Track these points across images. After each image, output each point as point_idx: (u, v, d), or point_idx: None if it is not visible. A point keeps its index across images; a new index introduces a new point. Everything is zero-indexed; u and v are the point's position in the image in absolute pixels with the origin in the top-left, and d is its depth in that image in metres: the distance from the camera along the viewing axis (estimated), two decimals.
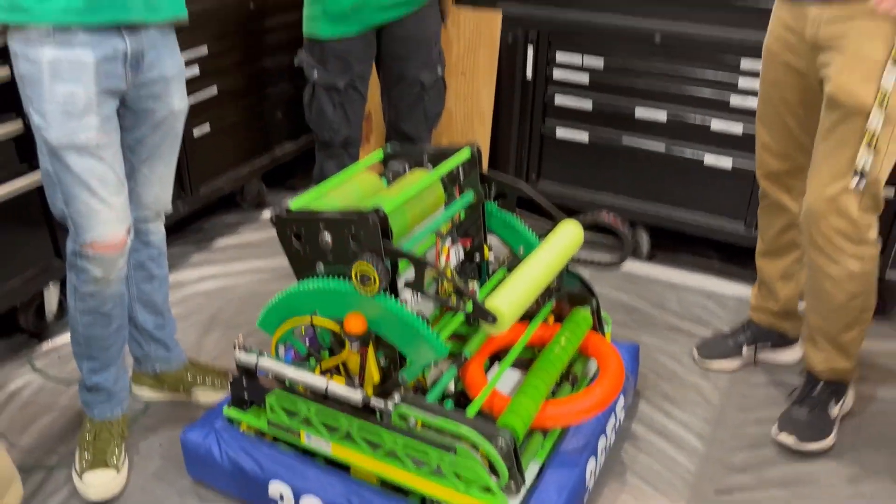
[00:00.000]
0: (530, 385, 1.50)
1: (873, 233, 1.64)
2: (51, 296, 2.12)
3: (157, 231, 1.77)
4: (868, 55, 1.52)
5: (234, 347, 1.54)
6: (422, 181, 1.52)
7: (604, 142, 2.48)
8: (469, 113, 2.63)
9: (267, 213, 2.87)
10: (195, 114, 2.44)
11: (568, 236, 1.61)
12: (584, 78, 2.43)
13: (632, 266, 2.54)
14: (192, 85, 2.39)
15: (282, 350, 1.52)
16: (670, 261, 2.59)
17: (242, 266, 2.54)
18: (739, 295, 2.38)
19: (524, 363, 1.68)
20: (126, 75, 1.49)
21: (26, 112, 1.47)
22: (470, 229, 1.71)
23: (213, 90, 2.49)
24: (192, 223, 2.77)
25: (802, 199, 1.81)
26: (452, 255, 1.62)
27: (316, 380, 1.44)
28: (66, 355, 2.02)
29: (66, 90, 1.41)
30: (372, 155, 1.70)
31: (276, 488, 1.52)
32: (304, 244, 1.43)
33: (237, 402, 1.61)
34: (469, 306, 1.37)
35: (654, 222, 2.53)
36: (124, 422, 1.75)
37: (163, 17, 1.53)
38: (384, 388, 1.42)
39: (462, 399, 1.55)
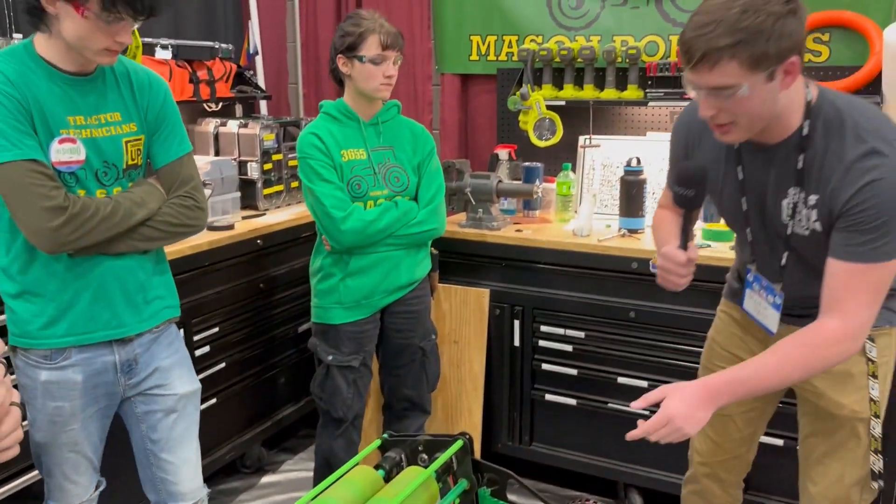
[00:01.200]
0: None
1: None
2: None
3: None
4: (849, 372, 1.59)
5: None
6: (417, 480, 1.61)
7: (591, 406, 2.61)
8: (462, 378, 2.78)
9: (266, 479, 2.92)
10: (203, 389, 2.56)
11: None
12: (567, 347, 2.61)
13: None
14: (202, 362, 2.56)
15: None
16: None
17: None
18: None
19: None
20: (119, 381, 1.67)
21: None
22: None
23: (221, 365, 2.64)
24: None
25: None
26: None
27: None
28: None
29: (55, 405, 1.62)
30: (371, 445, 1.81)
31: None
32: None
33: None
34: None
35: (644, 484, 2.58)
36: None
37: (155, 324, 1.72)
38: None
39: None
